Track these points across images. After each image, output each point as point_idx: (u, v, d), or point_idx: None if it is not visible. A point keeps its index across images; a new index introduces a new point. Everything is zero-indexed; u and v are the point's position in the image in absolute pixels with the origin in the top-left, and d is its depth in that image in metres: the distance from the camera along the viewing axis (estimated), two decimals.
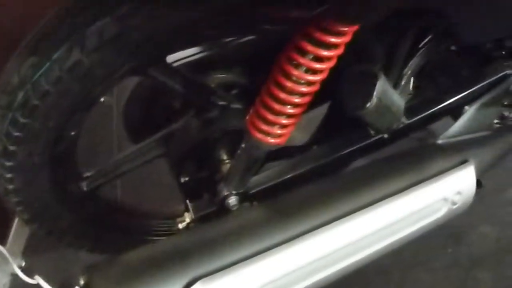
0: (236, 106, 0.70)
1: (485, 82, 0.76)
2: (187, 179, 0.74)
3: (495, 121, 0.80)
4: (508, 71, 0.76)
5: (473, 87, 0.76)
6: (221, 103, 0.70)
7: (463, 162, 0.73)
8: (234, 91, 0.73)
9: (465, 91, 0.76)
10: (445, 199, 0.70)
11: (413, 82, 0.73)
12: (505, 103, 0.79)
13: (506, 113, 0.80)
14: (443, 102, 0.75)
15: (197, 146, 0.73)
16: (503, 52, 0.77)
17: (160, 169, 0.80)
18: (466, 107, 0.76)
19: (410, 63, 0.67)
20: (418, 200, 0.68)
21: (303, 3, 0.48)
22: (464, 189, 0.72)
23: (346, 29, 0.51)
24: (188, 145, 0.73)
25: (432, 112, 0.74)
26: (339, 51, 0.55)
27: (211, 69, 0.72)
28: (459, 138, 0.76)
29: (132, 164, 0.75)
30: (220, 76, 0.72)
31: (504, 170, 1.06)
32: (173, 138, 0.74)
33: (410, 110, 0.72)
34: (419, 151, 0.75)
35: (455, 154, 0.74)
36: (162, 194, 0.95)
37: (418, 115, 0.73)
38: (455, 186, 0.71)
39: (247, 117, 0.63)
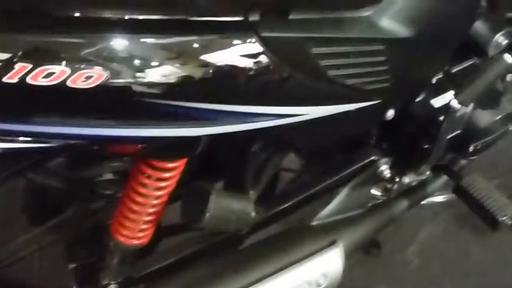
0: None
1: (354, 167, 0.82)
2: (75, 265, 0.79)
3: (367, 200, 0.86)
4: (374, 157, 0.82)
5: (344, 171, 0.82)
6: (106, 192, 0.76)
7: (332, 243, 0.80)
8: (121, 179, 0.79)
9: (337, 175, 0.82)
10: (309, 283, 0.76)
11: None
12: (375, 184, 0.85)
13: (376, 193, 0.87)
14: (315, 186, 0.81)
15: (85, 233, 0.79)
16: (372, 140, 0.83)
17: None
18: (339, 190, 0.82)
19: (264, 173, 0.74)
20: (281, 286, 0.74)
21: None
22: (330, 271, 0.78)
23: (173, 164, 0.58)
24: (77, 232, 0.79)
25: (302, 197, 0.80)
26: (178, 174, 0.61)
27: (94, 163, 0.77)
28: (330, 219, 0.82)
29: (27, 250, 0.80)
30: (104, 167, 0.78)
31: (403, 230, 1.13)
32: (65, 226, 0.79)
33: (276, 198, 0.78)
34: (290, 234, 0.80)
35: (324, 235, 0.80)
36: None
37: (286, 203, 0.79)
38: (321, 268, 0.77)
39: (111, 221, 0.68)
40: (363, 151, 0.83)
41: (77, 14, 0.41)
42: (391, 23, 0.59)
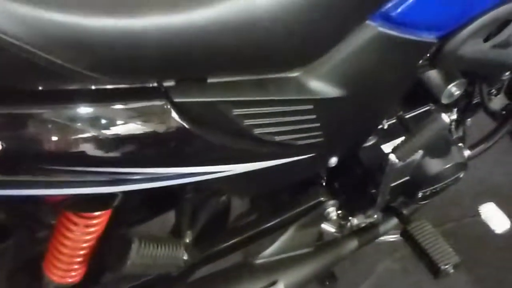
0: None
1: (302, 207, 0.82)
2: None
3: (314, 240, 0.87)
4: (322, 198, 0.82)
5: (291, 211, 0.82)
6: (51, 221, 0.77)
7: (273, 283, 0.80)
8: None
9: (284, 215, 0.82)
10: None
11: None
12: (322, 224, 0.86)
13: (330, 230, 0.87)
14: (261, 225, 0.82)
15: (28, 262, 0.79)
16: (321, 180, 0.84)
17: None
18: (285, 228, 0.83)
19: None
20: None
21: None
22: None
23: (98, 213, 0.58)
24: (18, 261, 0.79)
25: (246, 235, 0.80)
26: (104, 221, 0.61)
27: None
28: (274, 258, 0.83)
29: None
30: None
31: (361, 264, 1.13)
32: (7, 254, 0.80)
33: (217, 238, 0.78)
34: (229, 272, 0.81)
35: (265, 274, 0.81)
36: None
37: (228, 242, 0.79)
38: None
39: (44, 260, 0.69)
40: (311, 192, 0.84)
41: None
42: (320, 83, 0.59)
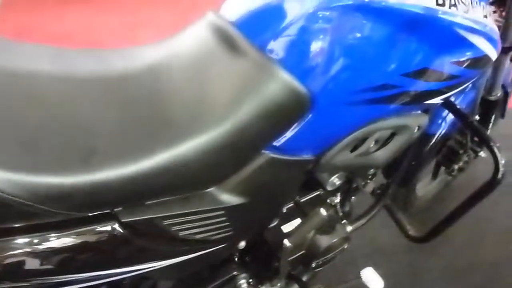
0: None
1: (217, 282, 1.01)
2: None
3: None
4: (236, 272, 1.02)
5: (210, 285, 1.00)
6: None
7: None
8: None
9: None
10: None
11: None
12: None
13: None
14: None
15: None
16: (233, 258, 1.03)
17: None
18: None
19: None
20: None
21: None
22: None
23: None
24: None
25: None
26: None
27: None
28: None
29: None
30: None
31: None
32: None
33: None
34: None
35: None
36: None
37: None
38: None
39: None
40: (226, 268, 1.03)
41: None
42: (229, 195, 0.79)
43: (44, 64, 0.73)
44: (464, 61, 0.87)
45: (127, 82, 0.75)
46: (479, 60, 0.90)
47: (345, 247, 1.09)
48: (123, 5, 3.10)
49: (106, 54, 0.81)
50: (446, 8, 0.79)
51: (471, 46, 0.87)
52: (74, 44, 2.61)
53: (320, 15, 0.72)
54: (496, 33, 0.94)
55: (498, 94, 1.34)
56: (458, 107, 1.15)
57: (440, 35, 0.81)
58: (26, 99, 0.66)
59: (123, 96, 0.73)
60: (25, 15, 2.89)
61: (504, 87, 1.37)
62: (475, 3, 0.86)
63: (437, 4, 0.77)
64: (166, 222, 0.73)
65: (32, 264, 0.62)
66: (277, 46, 0.73)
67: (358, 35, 0.74)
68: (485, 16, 0.89)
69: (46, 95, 0.68)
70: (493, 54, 0.93)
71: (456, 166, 1.44)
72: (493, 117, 1.40)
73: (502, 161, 1.08)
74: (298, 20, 0.73)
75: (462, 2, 0.82)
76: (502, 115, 1.49)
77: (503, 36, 1.13)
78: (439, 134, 1.36)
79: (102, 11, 3.00)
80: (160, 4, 3.14)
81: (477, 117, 1.42)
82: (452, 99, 1.18)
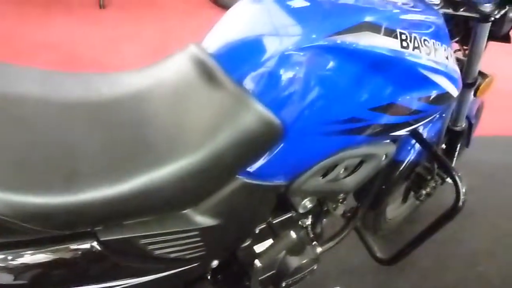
0: None
1: None
2: None
3: None
4: None
5: None
6: None
7: None
8: None
9: None
10: None
11: None
12: None
13: None
14: None
15: None
16: (207, 275, 1.07)
17: None
18: None
19: None
20: None
21: None
22: None
23: None
24: None
25: None
26: None
27: None
28: None
29: None
30: None
31: None
32: None
33: None
34: None
35: None
36: None
37: None
38: None
39: None
40: (199, 285, 1.07)
41: None
42: (203, 217, 0.84)
43: (33, 87, 0.77)
44: (427, 98, 0.95)
45: (112, 107, 0.80)
46: (441, 97, 0.98)
47: (315, 267, 1.13)
48: (106, 19, 3.14)
49: (93, 78, 0.86)
50: (410, 50, 0.86)
51: (433, 84, 0.94)
52: (58, 55, 2.64)
53: (294, 54, 0.78)
54: (456, 72, 1.02)
55: (463, 125, 1.42)
56: (424, 137, 1.22)
57: (405, 74, 0.88)
58: (14, 122, 0.70)
59: (107, 120, 0.78)
60: (9, 24, 2.90)
61: (468, 118, 1.45)
62: (438, 45, 0.93)
63: (402, 47, 0.84)
64: (143, 241, 0.77)
65: (12, 279, 0.66)
66: (253, 80, 0.79)
67: (329, 73, 0.80)
68: (447, 58, 0.96)
69: (34, 118, 0.72)
70: (454, 91, 1.00)
71: (424, 192, 1.51)
72: (459, 146, 1.48)
73: (463, 190, 1.15)
74: (273, 57, 0.78)
75: (425, 45, 0.89)
76: (467, 144, 1.57)
77: (466, 72, 1.21)
78: (408, 160, 1.42)
79: (85, 24, 3.03)
80: (147, 20, 3.19)
81: (443, 146, 1.49)
82: (420, 129, 1.25)
